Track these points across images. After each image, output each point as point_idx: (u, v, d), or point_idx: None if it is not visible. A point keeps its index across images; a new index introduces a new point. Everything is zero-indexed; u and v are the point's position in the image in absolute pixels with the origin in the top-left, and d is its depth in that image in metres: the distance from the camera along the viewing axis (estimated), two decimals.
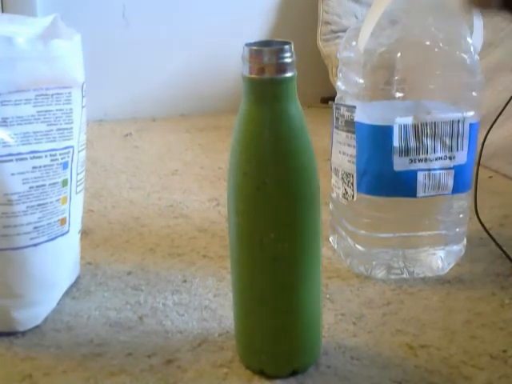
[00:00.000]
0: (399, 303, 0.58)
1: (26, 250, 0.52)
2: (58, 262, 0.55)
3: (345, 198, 0.62)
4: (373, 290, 0.60)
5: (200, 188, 0.89)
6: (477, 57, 0.58)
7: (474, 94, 0.58)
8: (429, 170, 0.57)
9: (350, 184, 0.60)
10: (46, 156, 0.52)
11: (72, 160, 0.55)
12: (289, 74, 0.42)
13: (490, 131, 0.67)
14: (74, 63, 0.54)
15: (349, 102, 0.60)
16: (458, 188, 0.59)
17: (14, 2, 1.25)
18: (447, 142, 0.57)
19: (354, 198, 0.60)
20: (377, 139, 0.57)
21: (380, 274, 0.61)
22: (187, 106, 1.36)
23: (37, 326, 0.54)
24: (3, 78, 0.48)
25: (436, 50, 0.57)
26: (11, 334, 0.53)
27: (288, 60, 0.41)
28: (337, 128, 0.62)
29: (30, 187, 0.51)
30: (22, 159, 0.50)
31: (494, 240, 0.65)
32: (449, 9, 0.58)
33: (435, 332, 0.53)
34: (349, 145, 0.60)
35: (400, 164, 0.57)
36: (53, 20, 0.56)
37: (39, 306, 0.54)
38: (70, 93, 0.53)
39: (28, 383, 0.47)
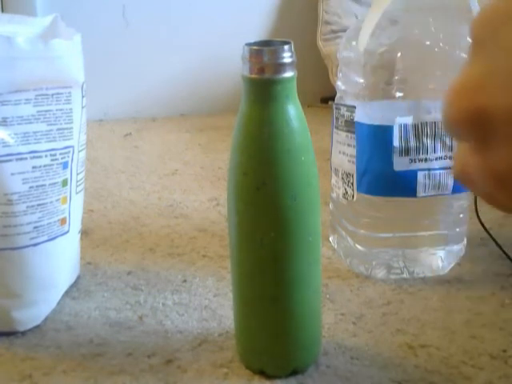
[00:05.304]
0: (399, 303, 0.58)
1: (26, 250, 0.52)
2: (57, 261, 0.55)
3: (345, 197, 0.62)
4: (373, 289, 0.60)
5: (200, 188, 0.89)
6: None
7: None
8: (429, 169, 0.57)
9: (350, 184, 0.60)
10: (45, 156, 0.52)
11: (72, 160, 0.55)
12: (289, 74, 0.42)
13: None
14: (74, 63, 0.54)
15: (349, 102, 0.60)
16: (458, 188, 0.59)
17: (14, 2, 1.25)
18: (447, 141, 0.57)
19: (354, 198, 0.60)
20: (377, 139, 0.57)
21: (380, 273, 0.61)
22: (187, 105, 1.36)
23: (37, 326, 0.54)
24: (3, 77, 0.48)
25: (436, 49, 0.57)
26: (11, 333, 0.53)
27: (288, 60, 0.41)
28: (337, 128, 0.62)
29: (30, 187, 0.51)
30: (21, 159, 0.50)
31: (494, 240, 0.65)
32: (449, 9, 0.58)
33: (435, 332, 0.53)
34: (349, 145, 0.60)
35: (400, 164, 0.57)
36: (53, 20, 0.56)
37: (39, 305, 0.54)
38: (69, 93, 0.53)
39: (28, 383, 0.47)
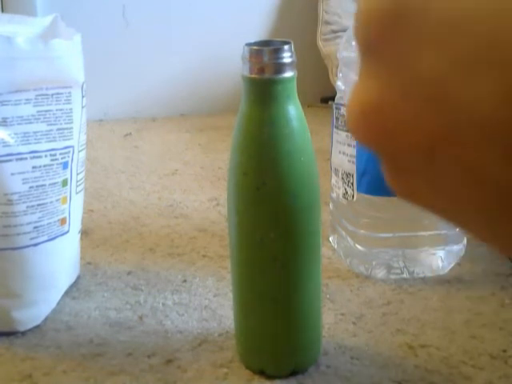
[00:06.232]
0: (399, 303, 0.58)
1: (26, 250, 0.52)
2: (57, 262, 0.55)
3: (345, 197, 0.62)
4: (373, 289, 0.60)
5: (200, 188, 0.89)
6: None
7: None
8: None
9: (350, 184, 0.60)
10: (45, 156, 0.52)
11: (72, 160, 0.55)
12: (289, 74, 0.42)
13: None
14: (74, 63, 0.54)
15: None
16: None
17: (14, 2, 1.25)
18: None
19: (354, 198, 0.60)
20: None
21: (380, 273, 0.61)
22: (187, 105, 1.36)
23: (37, 326, 0.54)
24: (3, 77, 0.48)
25: None
26: (11, 333, 0.53)
27: (288, 60, 0.41)
28: (337, 128, 0.62)
29: (30, 187, 0.51)
30: (22, 159, 0.50)
31: None
32: None
33: (435, 332, 0.53)
34: (349, 145, 0.60)
35: None
36: (53, 20, 0.56)
37: (39, 305, 0.54)
38: (69, 93, 0.53)
39: (28, 383, 0.47)
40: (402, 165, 0.22)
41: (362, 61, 0.22)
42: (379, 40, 0.21)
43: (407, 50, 0.20)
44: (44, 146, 0.51)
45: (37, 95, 0.50)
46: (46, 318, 0.55)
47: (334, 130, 0.63)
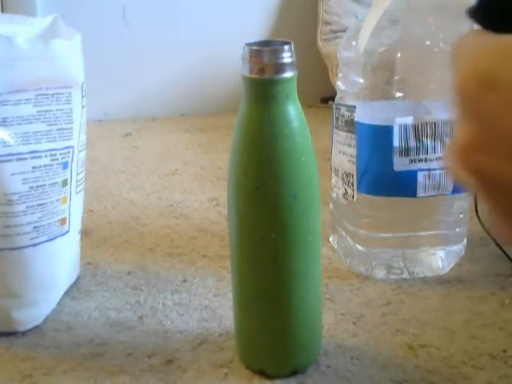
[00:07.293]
0: (399, 303, 0.58)
1: (26, 250, 0.52)
2: (57, 262, 0.55)
3: (345, 197, 0.62)
4: (373, 289, 0.60)
5: (200, 188, 0.89)
6: None
7: None
8: (429, 170, 0.57)
9: (350, 184, 0.60)
10: (45, 156, 0.52)
11: (72, 160, 0.55)
12: (289, 74, 0.42)
13: None
14: (74, 63, 0.54)
15: (349, 102, 0.60)
16: (458, 188, 0.59)
17: (14, 2, 1.25)
18: (447, 141, 0.57)
19: (354, 198, 0.60)
20: (377, 139, 0.57)
21: (380, 274, 0.61)
22: (187, 106, 1.36)
23: (37, 326, 0.54)
24: (3, 77, 0.48)
25: (436, 49, 0.57)
26: (11, 333, 0.53)
27: (288, 60, 0.41)
28: (337, 128, 0.62)
29: (30, 187, 0.51)
30: (22, 159, 0.50)
31: (494, 240, 0.65)
32: (449, 9, 0.58)
33: (435, 332, 0.53)
34: (349, 145, 0.60)
35: (400, 164, 0.57)
36: (53, 20, 0.56)
37: (39, 306, 0.54)
38: (70, 93, 0.53)
39: (28, 383, 0.47)
40: (492, 191, 0.28)
41: (462, 111, 0.28)
42: (476, 97, 0.27)
43: (495, 109, 0.26)
44: (44, 146, 0.51)
45: (37, 95, 0.50)
46: (46, 318, 0.55)
47: (334, 130, 0.63)
